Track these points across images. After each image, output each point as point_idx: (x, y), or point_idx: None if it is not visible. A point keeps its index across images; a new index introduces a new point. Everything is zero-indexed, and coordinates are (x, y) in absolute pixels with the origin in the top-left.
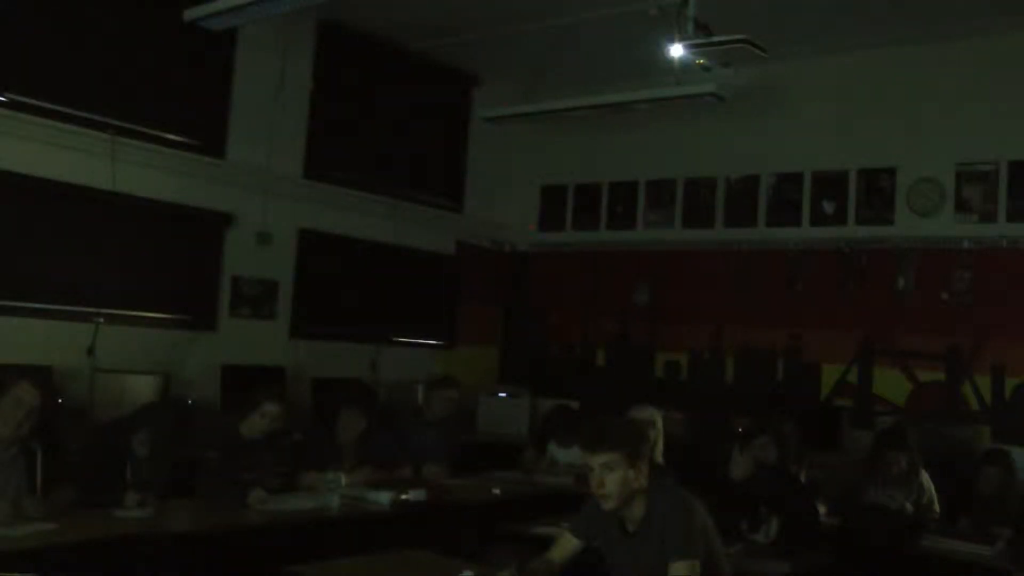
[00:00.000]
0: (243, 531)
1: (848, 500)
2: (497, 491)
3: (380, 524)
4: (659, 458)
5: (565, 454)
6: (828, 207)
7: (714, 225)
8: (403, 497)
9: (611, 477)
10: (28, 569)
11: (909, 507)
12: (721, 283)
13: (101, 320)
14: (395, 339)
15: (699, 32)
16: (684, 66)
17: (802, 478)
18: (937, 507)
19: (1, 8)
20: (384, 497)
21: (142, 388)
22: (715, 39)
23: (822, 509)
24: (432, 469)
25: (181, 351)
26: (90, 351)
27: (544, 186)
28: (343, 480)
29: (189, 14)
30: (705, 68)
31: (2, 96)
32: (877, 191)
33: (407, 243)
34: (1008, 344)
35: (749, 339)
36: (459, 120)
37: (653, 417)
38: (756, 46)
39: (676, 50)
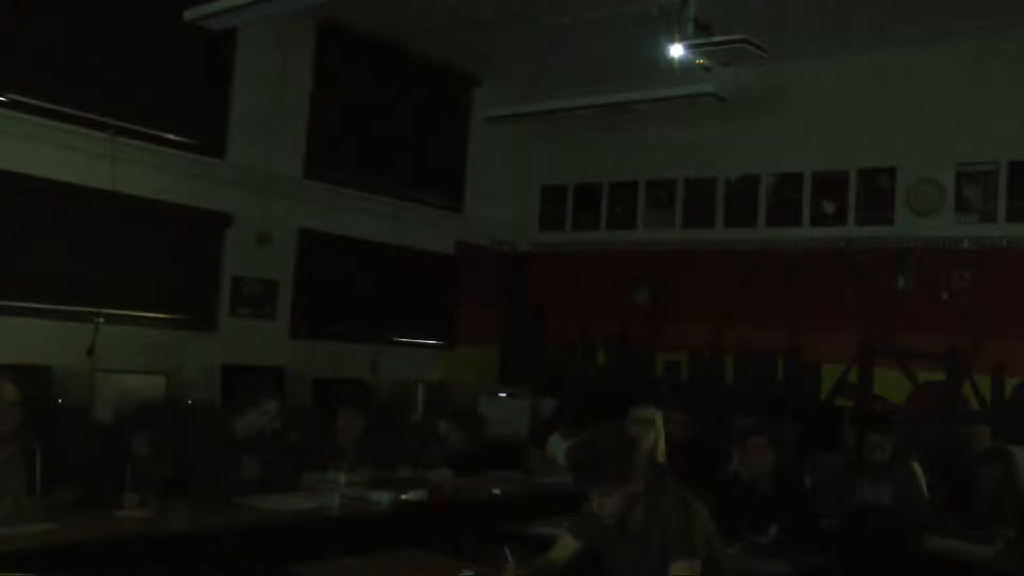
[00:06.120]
0: (243, 531)
1: (842, 500)
2: (497, 491)
3: (380, 524)
4: (661, 457)
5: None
6: (828, 207)
7: (714, 225)
8: (403, 497)
9: (610, 501)
10: (28, 569)
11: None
12: (721, 283)
13: (101, 320)
14: (395, 339)
15: (699, 32)
16: (684, 66)
17: (806, 482)
18: (926, 493)
19: (1, 8)
20: (384, 497)
21: (142, 388)
22: (715, 39)
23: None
24: (441, 473)
25: (181, 351)
26: (90, 351)
27: (544, 186)
28: (343, 480)
29: (189, 14)
30: (705, 68)
31: (2, 96)
32: (877, 191)
33: (407, 243)
34: (1008, 344)
35: (749, 339)
36: (459, 120)
37: (653, 416)
38: (756, 46)
39: (676, 50)
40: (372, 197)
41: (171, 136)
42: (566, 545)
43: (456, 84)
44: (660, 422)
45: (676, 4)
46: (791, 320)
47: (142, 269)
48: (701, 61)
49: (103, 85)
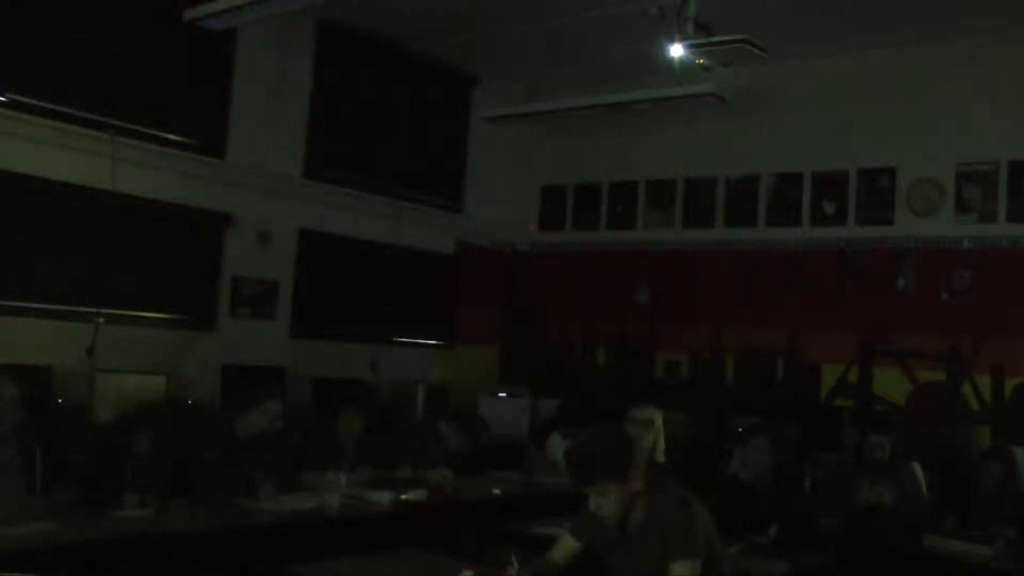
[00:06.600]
0: (243, 531)
1: (842, 500)
2: (497, 491)
3: (380, 524)
4: (660, 457)
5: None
6: (828, 207)
7: (714, 225)
8: (403, 497)
9: (606, 501)
10: (28, 569)
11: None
12: (721, 283)
13: (101, 320)
14: (395, 339)
15: (699, 32)
16: (684, 66)
17: (806, 483)
18: (926, 493)
19: (1, 8)
20: (384, 497)
21: (142, 388)
22: (715, 39)
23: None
24: (441, 473)
25: (181, 351)
26: (90, 351)
27: (544, 186)
28: (343, 480)
29: (189, 14)
30: (705, 68)
31: (2, 96)
32: (877, 191)
33: (407, 243)
34: (1008, 344)
35: (749, 339)
36: (459, 120)
37: (652, 416)
38: (756, 46)
39: (676, 50)
40: (372, 197)
41: (171, 136)
42: (566, 545)
43: (456, 84)
44: (660, 422)
45: (676, 4)
46: (791, 320)
47: (142, 269)
48: (701, 61)
49: (103, 85)
